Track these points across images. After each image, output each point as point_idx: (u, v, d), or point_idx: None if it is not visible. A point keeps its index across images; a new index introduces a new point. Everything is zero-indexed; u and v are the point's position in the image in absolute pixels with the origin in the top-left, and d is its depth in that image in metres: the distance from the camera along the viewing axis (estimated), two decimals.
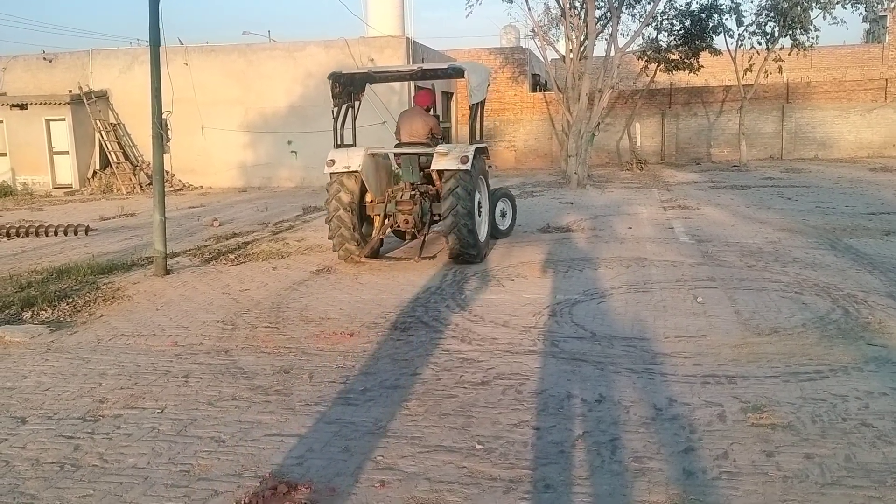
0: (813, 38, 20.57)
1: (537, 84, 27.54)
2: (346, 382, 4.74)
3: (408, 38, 20.33)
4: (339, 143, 9.03)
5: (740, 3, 21.44)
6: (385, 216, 8.70)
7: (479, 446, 3.75)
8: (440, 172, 8.41)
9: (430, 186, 8.83)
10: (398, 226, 8.73)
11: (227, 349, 5.53)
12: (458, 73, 9.45)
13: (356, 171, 8.56)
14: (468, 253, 8.30)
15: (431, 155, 8.41)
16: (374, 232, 8.87)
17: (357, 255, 8.68)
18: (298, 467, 3.57)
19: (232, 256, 9.33)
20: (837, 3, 19.65)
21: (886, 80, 24.57)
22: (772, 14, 20.56)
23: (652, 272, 7.79)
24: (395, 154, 9.13)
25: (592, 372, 4.79)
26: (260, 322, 6.26)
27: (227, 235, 11.25)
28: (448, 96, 25.44)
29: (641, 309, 6.31)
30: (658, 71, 22.34)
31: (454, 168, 8.13)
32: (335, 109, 9.04)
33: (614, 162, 24.75)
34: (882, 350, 4.99)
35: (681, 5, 21.09)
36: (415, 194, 8.62)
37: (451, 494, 3.27)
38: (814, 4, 19.75)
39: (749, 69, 21.03)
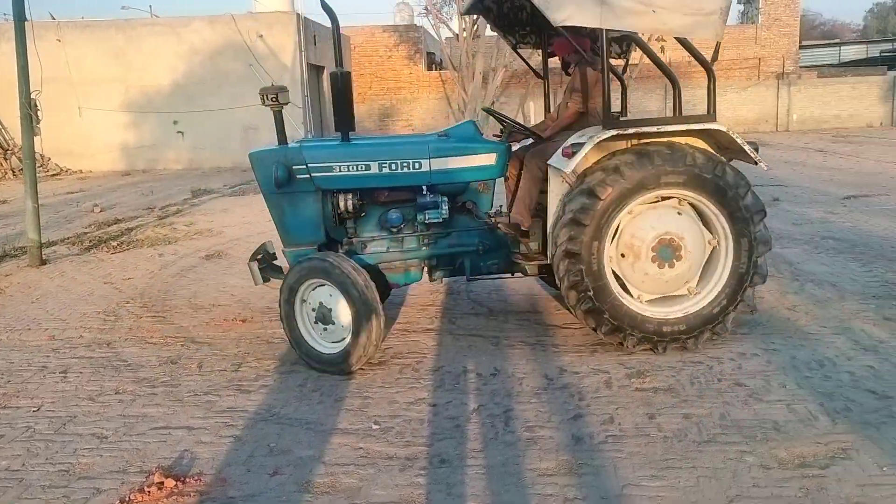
0: None
1: (433, 63, 27.53)
2: (239, 370, 4.61)
3: (298, 15, 19.81)
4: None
5: None
6: None
7: (375, 426, 3.75)
8: None
9: None
10: None
11: (109, 341, 5.26)
12: None
13: None
14: None
15: None
16: None
17: None
18: (187, 460, 3.46)
19: (114, 244, 8.85)
20: None
21: (759, 59, 26.08)
22: None
23: None
24: None
25: (488, 346, 4.87)
26: (145, 312, 5.99)
27: (108, 222, 10.66)
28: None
29: (535, 284, 6.44)
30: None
31: None
32: None
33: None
34: (754, 314, 5.31)
35: None
36: None
37: (347, 476, 3.25)
38: None
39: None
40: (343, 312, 4.39)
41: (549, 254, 4.73)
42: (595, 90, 5.00)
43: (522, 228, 5.05)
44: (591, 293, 4.44)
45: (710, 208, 4.49)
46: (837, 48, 39.83)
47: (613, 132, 4.40)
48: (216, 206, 12.15)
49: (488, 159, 4.98)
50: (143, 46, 19.24)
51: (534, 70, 5.95)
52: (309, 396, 4.17)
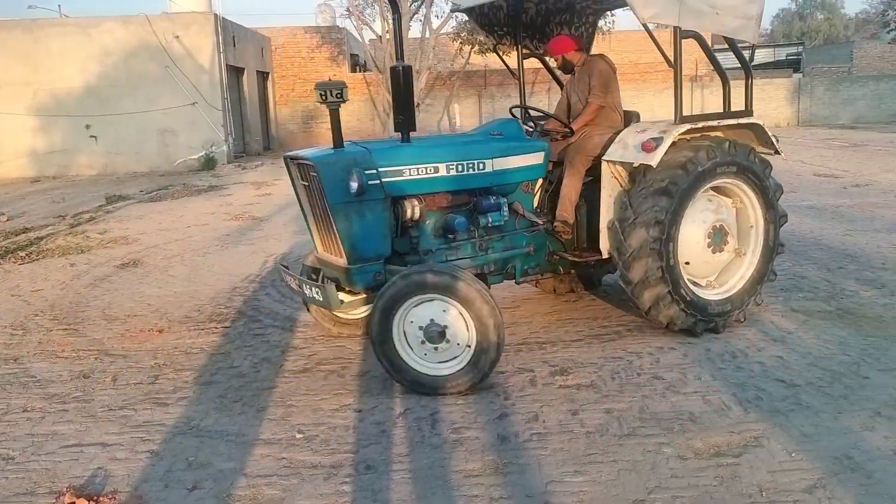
0: (610, 22, 22.08)
1: (357, 64, 27.35)
2: (156, 383, 4.45)
3: (216, 15, 19.35)
4: None
5: None
6: None
7: (299, 435, 3.68)
8: None
9: None
10: None
11: (16, 356, 4.99)
12: None
13: None
14: None
15: None
16: None
17: None
18: (100, 478, 3.31)
19: (23, 254, 8.42)
20: None
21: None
22: None
23: None
24: None
25: None
26: (55, 324, 5.71)
27: (16, 231, 10.14)
28: (264, 76, 24.63)
29: None
30: (473, 53, 22.97)
31: None
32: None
33: None
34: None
35: None
36: None
37: (270, 488, 3.18)
38: None
39: None
40: (460, 328, 4.01)
41: (608, 250, 4.83)
42: (613, 85, 5.21)
43: (570, 224, 4.98)
44: (669, 289, 4.59)
45: (746, 192, 4.93)
46: (747, 51, 41.53)
47: (688, 126, 4.63)
48: (132, 212, 11.74)
49: (537, 158, 4.89)
50: (51, 47, 18.43)
51: (510, 70, 5.99)
52: (230, 407, 4.06)
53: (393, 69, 4.23)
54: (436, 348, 4.03)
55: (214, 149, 19.05)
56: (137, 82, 18.63)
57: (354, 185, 4.11)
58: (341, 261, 4.41)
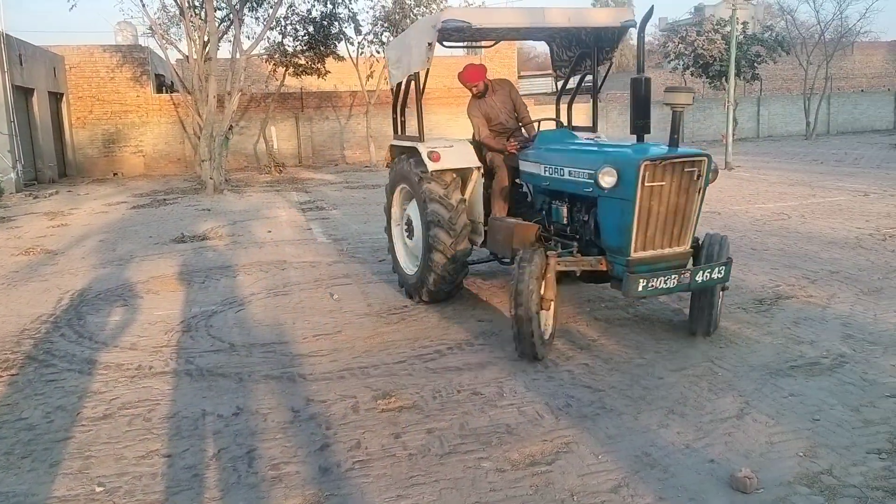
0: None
1: (163, 85, 25.91)
2: None
3: (0, 32, 17.53)
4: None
5: (357, 13, 22.77)
6: None
7: (99, 489, 3.36)
8: None
9: None
10: None
11: None
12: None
13: None
14: None
15: None
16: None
17: None
18: None
19: None
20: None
21: None
22: (385, 24, 22.19)
23: (291, 274, 7.84)
24: None
25: (230, 385, 4.62)
26: None
27: None
28: (57, 97, 22.66)
29: (280, 312, 6.30)
30: (287, 75, 22.61)
31: None
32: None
33: (253, 165, 24.48)
34: (488, 325, 5.67)
35: (303, 12, 21.58)
36: None
37: None
38: (417, 14, 21.81)
39: (370, 75, 22.46)
40: None
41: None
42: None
43: None
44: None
45: None
46: (552, 78, 44.69)
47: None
48: None
49: None
50: None
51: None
52: (18, 465, 3.63)
53: (634, 80, 4.55)
54: None
55: (0, 177, 17.18)
56: None
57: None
58: (683, 248, 4.87)
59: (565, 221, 5.48)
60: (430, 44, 5.59)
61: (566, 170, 5.27)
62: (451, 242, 5.84)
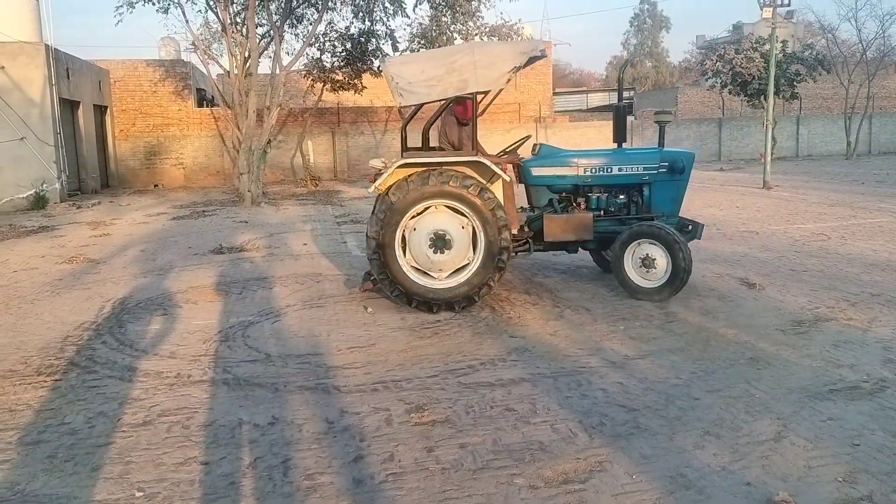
0: None
1: (203, 99, 26.49)
2: None
3: (47, 46, 18.11)
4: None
5: (394, 30, 23.08)
6: None
7: (139, 494, 3.43)
8: None
9: None
10: None
11: None
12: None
13: None
14: None
15: None
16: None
17: None
18: None
19: None
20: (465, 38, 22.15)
21: (519, 104, 28.41)
22: (422, 41, 22.43)
23: (326, 287, 7.93)
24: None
25: (266, 395, 4.69)
26: None
27: None
28: (102, 110, 23.24)
29: (316, 324, 6.37)
30: (325, 90, 22.95)
31: None
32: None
33: (289, 179, 24.84)
34: (521, 341, 5.68)
35: (341, 29, 21.93)
36: None
37: None
38: (457, 35, 22.02)
39: None
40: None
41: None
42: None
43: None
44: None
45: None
46: (585, 95, 44.72)
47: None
48: None
49: None
50: None
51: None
52: (61, 468, 3.73)
53: (616, 106, 7.46)
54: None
55: (46, 186, 17.68)
56: None
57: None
58: None
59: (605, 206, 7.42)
60: (516, 67, 6.41)
61: (615, 167, 7.35)
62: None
